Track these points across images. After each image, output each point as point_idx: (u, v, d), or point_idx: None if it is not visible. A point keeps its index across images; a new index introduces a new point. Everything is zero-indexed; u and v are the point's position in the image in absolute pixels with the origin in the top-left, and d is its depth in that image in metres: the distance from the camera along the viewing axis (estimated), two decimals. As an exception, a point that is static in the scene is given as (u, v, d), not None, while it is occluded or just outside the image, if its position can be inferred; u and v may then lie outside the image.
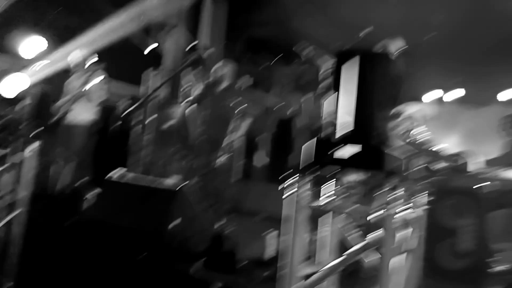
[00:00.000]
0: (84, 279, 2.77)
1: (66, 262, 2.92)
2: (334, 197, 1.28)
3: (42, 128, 2.80)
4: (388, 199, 1.06)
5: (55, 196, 3.28)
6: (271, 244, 2.82)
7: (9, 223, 2.70)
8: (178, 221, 2.62)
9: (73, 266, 2.85)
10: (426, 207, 1.27)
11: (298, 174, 1.23)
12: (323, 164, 1.22)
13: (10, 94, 2.56)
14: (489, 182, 2.79)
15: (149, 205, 2.72)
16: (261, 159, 5.95)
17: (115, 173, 3.09)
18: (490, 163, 3.09)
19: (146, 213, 2.67)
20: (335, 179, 1.28)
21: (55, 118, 4.63)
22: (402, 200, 1.08)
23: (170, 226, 2.59)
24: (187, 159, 5.44)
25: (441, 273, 2.64)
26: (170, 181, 2.87)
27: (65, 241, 2.91)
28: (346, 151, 1.17)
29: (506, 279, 2.54)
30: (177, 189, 2.71)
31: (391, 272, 1.05)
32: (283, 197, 1.30)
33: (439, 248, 2.72)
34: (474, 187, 2.75)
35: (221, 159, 4.02)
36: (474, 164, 3.08)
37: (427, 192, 2.66)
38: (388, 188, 1.07)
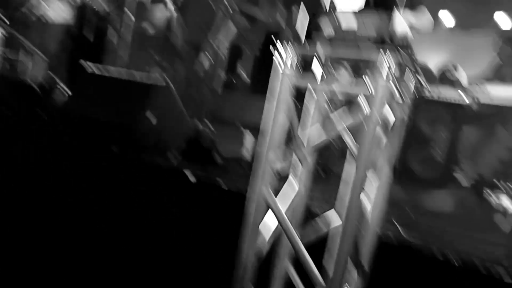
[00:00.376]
0: (58, 170, 2.79)
1: (38, 153, 2.91)
2: (320, 75, 1.25)
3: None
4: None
5: (24, 85, 3.16)
6: (247, 144, 2.87)
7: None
8: (154, 115, 2.59)
9: (46, 157, 2.85)
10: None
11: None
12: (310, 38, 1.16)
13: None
14: (471, 97, 2.83)
15: (126, 98, 2.66)
16: (245, 69, 5.83)
17: (92, 67, 2.97)
18: (476, 79, 3.10)
19: (122, 106, 2.62)
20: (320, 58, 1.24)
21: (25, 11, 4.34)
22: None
23: (147, 119, 2.57)
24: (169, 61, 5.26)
25: (412, 178, 2.80)
26: (149, 76, 2.77)
27: (36, 131, 2.88)
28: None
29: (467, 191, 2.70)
30: (156, 83, 2.64)
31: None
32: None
33: (412, 155, 2.84)
34: (454, 100, 2.82)
35: (204, 65, 3.90)
36: (460, 78, 3.09)
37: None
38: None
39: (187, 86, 4.29)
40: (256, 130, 4.27)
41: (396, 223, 1.71)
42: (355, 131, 1.20)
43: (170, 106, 2.71)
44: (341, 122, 1.18)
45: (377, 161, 1.21)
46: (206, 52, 4.10)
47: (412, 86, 1.28)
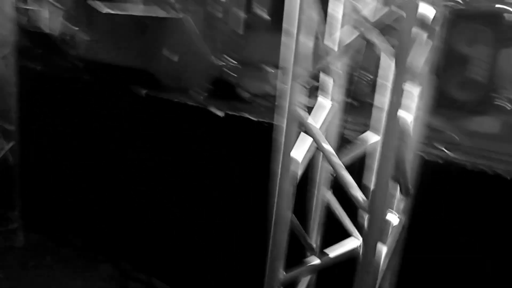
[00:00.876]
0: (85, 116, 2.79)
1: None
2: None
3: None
4: None
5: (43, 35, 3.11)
6: (272, 83, 2.76)
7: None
8: (174, 52, 2.50)
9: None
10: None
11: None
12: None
13: None
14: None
15: (143, 36, 2.56)
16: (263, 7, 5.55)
17: (104, 6, 2.85)
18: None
19: (140, 46, 2.53)
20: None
21: None
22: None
23: (168, 57, 2.48)
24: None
25: (449, 101, 2.62)
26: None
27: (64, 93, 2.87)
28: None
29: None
30: (179, 17, 2.51)
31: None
32: None
33: (451, 78, 2.64)
34: (496, 13, 2.54)
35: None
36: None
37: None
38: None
39: (207, 28, 4.12)
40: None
41: (439, 145, 1.60)
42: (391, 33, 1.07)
43: (190, 41, 2.60)
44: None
45: (417, 65, 1.08)
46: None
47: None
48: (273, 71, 2.78)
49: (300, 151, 1.18)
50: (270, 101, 2.45)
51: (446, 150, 1.53)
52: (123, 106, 2.58)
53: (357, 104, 2.37)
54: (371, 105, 2.25)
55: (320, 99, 1.29)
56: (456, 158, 1.46)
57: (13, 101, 2.62)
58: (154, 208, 2.54)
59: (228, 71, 2.50)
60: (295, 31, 1.08)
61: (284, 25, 1.08)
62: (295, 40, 1.08)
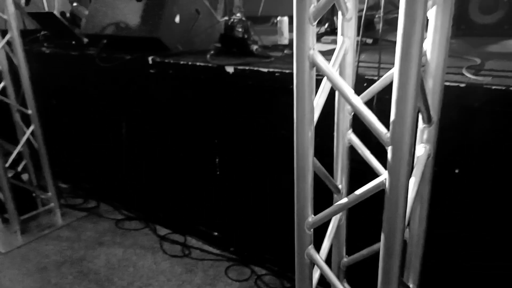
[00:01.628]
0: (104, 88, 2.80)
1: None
2: None
3: None
4: None
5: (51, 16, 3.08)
6: (284, 29, 2.69)
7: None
8: (178, 15, 2.44)
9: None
10: None
11: None
12: None
13: None
14: None
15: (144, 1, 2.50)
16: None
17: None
18: None
19: (145, 11, 2.48)
20: None
21: None
22: None
23: (172, 20, 2.43)
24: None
25: (471, 26, 2.50)
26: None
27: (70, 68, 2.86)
28: None
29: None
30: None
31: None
32: None
33: (470, 6, 2.51)
34: None
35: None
36: None
37: None
38: None
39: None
40: (290, 18, 3.99)
41: (459, 69, 1.53)
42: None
43: (191, 1, 2.53)
44: None
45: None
46: None
47: None
48: (282, 19, 2.70)
49: (313, 93, 1.15)
50: (280, 51, 2.39)
51: (467, 74, 1.46)
52: (131, 75, 2.57)
53: (371, 42, 2.30)
54: (386, 41, 2.16)
55: (332, 37, 1.25)
56: (477, 80, 1.39)
57: (27, 85, 2.64)
58: (169, 169, 2.59)
59: (234, 26, 2.43)
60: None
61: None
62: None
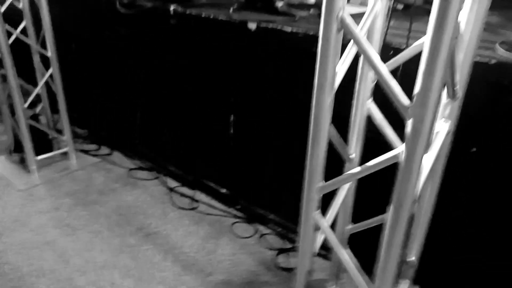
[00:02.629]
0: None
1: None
2: None
3: None
4: None
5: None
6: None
7: None
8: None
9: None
10: None
11: None
12: None
13: None
14: None
15: None
16: None
17: None
18: None
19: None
20: None
21: None
22: None
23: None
24: None
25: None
26: None
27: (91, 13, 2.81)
28: None
29: None
30: None
31: None
32: None
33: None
34: None
35: None
36: None
37: None
38: None
39: None
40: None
41: (490, 44, 1.46)
42: None
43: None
44: None
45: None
46: None
47: None
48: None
49: (338, 58, 1.11)
50: (306, 10, 2.30)
51: (500, 49, 1.39)
52: (152, 24, 2.52)
53: (402, 7, 2.19)
54: (417, 8, 2.06)
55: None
56: (510, 57, 1.33)
57: (48, 27, 2.62)
58: (183, 123, 2.60)
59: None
60: None
61: None
62: None
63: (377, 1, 1.20)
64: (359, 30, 1.06)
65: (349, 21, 1.01)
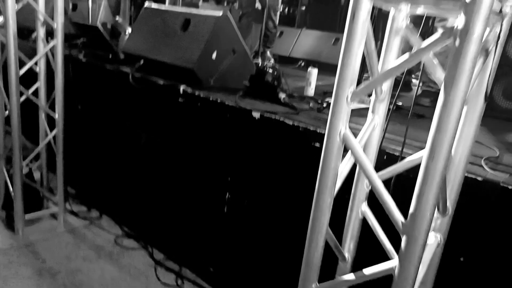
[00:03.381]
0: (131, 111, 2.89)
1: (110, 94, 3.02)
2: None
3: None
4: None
5: (94, 29, 3.21)
6: (312, 80, 2.77)
7: (47, 56, 2.73)
8: (214, 50, 2.54)
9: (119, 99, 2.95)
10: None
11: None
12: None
13: None
14: None
15: (189, 32, 2.61)
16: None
17: (151, 4, 2.95)
18: None
19: (185, 42, 2.59)
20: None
21: None
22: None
23: (208, 55, 2.53)
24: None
25: (494, 109, 2.57)
26: (208, 11, 2.67)
27: (102, 81, 2.97)
28: None
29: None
30: (218, 16, 2.55)
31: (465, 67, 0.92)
32: (333, 41, 1.11)
33: (496, 84, 2.59)
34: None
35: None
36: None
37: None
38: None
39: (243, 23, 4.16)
40: (317, 64, 4.09)
41: (478, 160, 1.57)
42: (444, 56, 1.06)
43: (229, 39, 2.63)
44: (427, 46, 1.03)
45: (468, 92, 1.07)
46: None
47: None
48: (312, 70, 2.78)
49: (339, 161, 1.20)
50: (307, 103, 2.46)
51: (485, 167, 1.50)
52: (160, 99, 2.65)
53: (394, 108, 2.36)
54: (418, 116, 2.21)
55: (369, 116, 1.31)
56: (496, 176, 1.43)
57: (59, 89, 2.73)
58: (177, 196, 2.63)
59: (266, 71, 2.52)
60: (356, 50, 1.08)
61: (345, 43, 1.07)
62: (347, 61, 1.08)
63: (376, 115, 1.32)
64: (357, 143, 1.16)
65: (351, 138, 1.11)
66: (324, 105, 2.33)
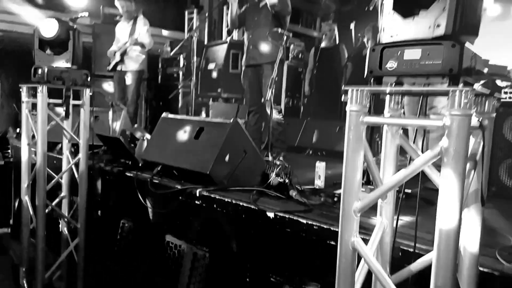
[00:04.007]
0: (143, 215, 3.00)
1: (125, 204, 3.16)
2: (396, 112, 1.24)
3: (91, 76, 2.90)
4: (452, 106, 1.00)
5: (114, 140, 3.47)
6: (321, 174, 2.89)
7: (72, 169, 2.94)
8: (228, 155, 2.72)
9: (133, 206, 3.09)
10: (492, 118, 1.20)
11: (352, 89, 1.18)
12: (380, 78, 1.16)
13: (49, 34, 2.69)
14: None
15: (203, 139, 2.81)
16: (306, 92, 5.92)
17: (168, 114, 3.22)
18: None
19: (200, 148, 2.78)
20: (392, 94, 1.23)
21: (110, 65, 4.88)
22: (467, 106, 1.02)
23: (222, 159, 2.69)
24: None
25: (501, 188, 2.63)
26: (220, 120, 2.92)
27: (123, 187, 3.14)
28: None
29: None
30: (229, 123, 2.76)
31: (456, 182, 1.03)
32: (337, 129, 1.27)
33: (501, 165, 2.67)
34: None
35: (268, 96, 4.00)
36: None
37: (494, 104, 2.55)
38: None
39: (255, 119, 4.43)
40: (324, 151, 4.23)
41: (493, 251, 1.60)
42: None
43: (241, 142, 2.82)
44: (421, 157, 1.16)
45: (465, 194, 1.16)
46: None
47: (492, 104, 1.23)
48: (320, 164, 2.92)
49: (355, 267, 1.25)
50: (318, 196, 2.55)
51: (500, 258, 1.53)
52: (178, 202, 2.77)
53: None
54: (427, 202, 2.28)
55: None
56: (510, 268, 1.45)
57: (83, 201, 2.88)
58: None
59: (276, 168, 2.66)
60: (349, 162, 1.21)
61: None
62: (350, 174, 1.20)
63: (384, 218, 1.40)
64: (369, 250, 1.23)
65: (361, 246, 1.19)
66: (335, 199, 2.42)
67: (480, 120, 1.14)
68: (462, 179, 1.02)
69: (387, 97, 1.30)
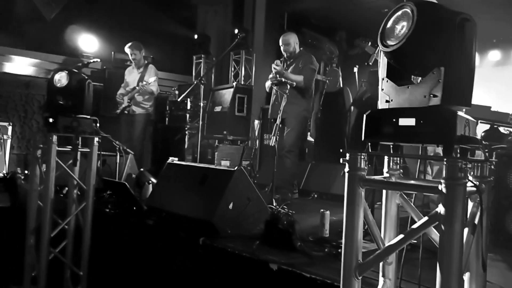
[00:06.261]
0: (145, 266, 2.98)
1: (130, 252, 3.15)
2: (395, 171, 1.27)
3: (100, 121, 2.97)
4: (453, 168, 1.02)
5: (120, 186, 3.50)
6: (326, 222, 2.87)
7: (77, 215, 2.96)
8: (232, 202, 2.73)
9: (135, 256, 3.07)
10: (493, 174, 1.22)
11: (355, 149, 1.22)
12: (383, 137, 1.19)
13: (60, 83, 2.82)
14: None
15: (207, 186, 2.83)
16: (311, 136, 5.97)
17: (173, 160, 3.27)
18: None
19: (204, 195, 2.80)
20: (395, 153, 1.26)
21: (119, 109, 5.02)
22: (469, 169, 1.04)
23: (226, 206, 2.70)
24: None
25: (509, 237, 2.59)
26: (225, 164, 2.95)
27: (130, 229, 3.14)
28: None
29: None
30: (234, 169, 2.79)
31: (455, 247, 1.03)
32: (342, 173, 1.30)
33: (507, 215, 2.65)
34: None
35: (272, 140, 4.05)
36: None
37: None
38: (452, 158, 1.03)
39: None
40: (329, 195, 4.22)
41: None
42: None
43: (245, 189, 2.84)
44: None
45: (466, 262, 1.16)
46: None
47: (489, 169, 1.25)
48: (325, 212, 2.90)
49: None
50: (322, 247, 2.52)
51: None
52: (181, 250, 2.75)
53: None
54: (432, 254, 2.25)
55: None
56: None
57: (86, 247, 2.87)
58: None
59: (280, 217, 2.65)
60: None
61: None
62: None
63: (386, 279, 1.39)
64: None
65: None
66: (339, 250, 2.39)
67: (478, 183, 1.16)
68: (460, 245, 1.03)
69: (386, 158, 1.33)
